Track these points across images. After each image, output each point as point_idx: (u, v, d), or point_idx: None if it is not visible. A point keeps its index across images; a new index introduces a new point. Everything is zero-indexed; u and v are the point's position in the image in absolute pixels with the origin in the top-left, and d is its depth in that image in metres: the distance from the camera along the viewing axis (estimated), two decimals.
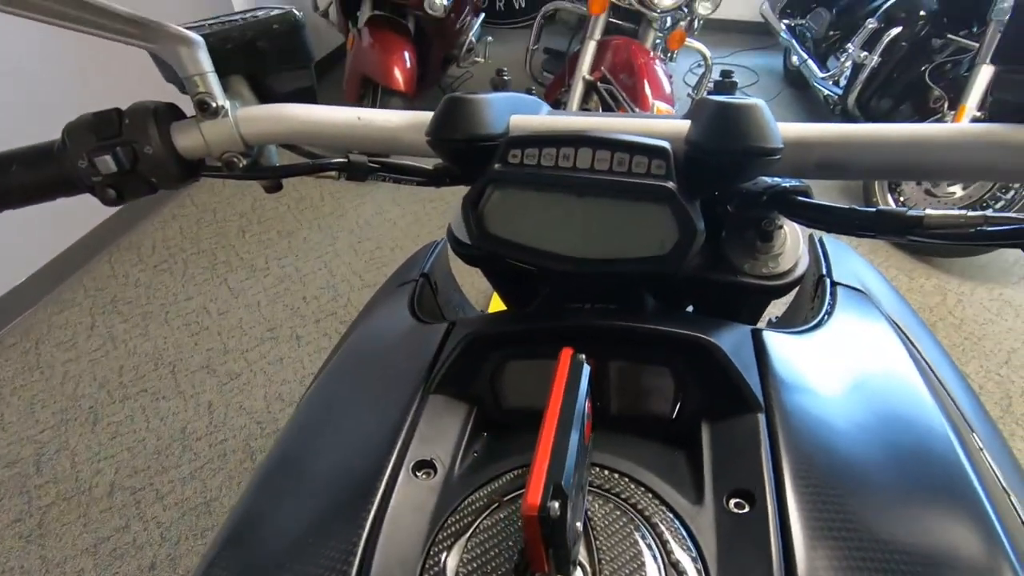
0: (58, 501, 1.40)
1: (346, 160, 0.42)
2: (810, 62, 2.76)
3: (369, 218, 2.34)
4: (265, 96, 0.41)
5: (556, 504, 0.19)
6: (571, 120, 0.36)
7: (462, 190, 0.38)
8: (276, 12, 0.39)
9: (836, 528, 0.24)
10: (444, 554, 0.26)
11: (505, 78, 0.48)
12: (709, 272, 0.42)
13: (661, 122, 0.34)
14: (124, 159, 0.36)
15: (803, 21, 3.00)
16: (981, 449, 0.34)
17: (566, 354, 0.25)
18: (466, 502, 0.28)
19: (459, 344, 0.35)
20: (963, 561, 0.23)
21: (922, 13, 2.17)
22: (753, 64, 3.71)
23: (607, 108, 2.06)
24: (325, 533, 0.28)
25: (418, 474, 0.30)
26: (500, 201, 0.34)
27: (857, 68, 2.35)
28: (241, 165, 0.40)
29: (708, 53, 2.26)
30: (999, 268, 2.13)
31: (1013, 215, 0.30)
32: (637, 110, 1.97)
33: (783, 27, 3.10)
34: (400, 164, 0.44)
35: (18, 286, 1.86)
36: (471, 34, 2.80)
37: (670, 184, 0.30)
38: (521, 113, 0.37)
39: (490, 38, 3.01)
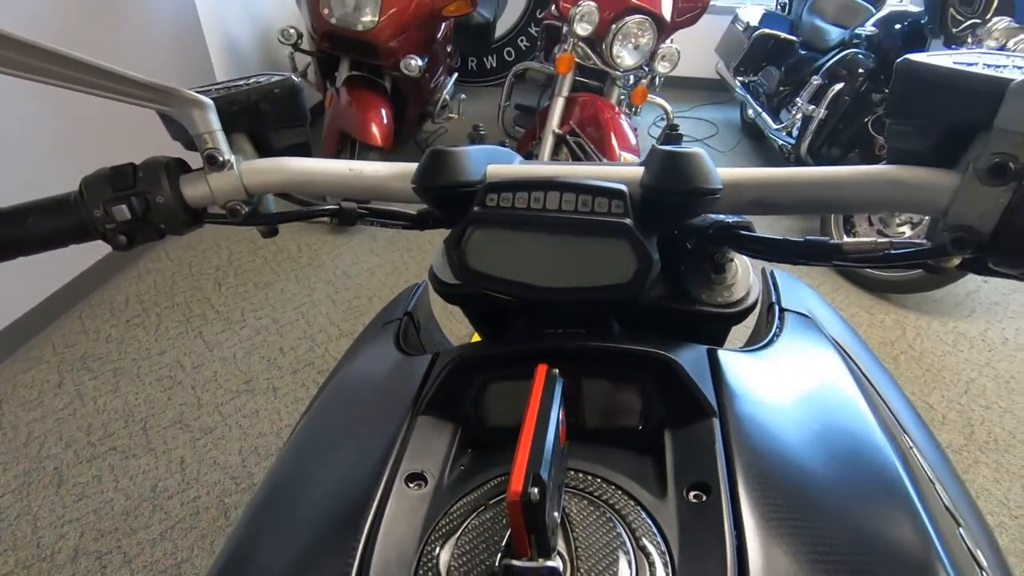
0: (17, 570, 1.33)
1: (338, 207, 0.46)
2: (764, 115, 2.95)
3: (347, 268, 2.36)
4: (265, 150, 0.45)
5: (536, 490, 0.22)
6: (541, 168, 0.41)
7: (438, 238, 0.42)
8: (277, 78, 0.44)
9: (781, 512, 0.27)
10: (437, 550, 0.28)
11: (482, 132, 0.53)
12: (671, 302, 0.47)
13: (619, 169, 0.38)
14: (137, 208, 0.40)
15: (755, 78, 3.22)
16: (912, 447, 0.38)
17: (541, 369, 0.28)
18: (455, 507, 0.30)
19: (444, 368, 0.38)
20: (892, 541, 0.26)
21: (861, 71, 2.37)
22: (712, 117, 3.93)
23: (576, 159, 2.17)
24: (326, 539, 0.30)
25: (410, 485, 0.32)
26: (480, 240, 0.38)
27: (807, 120, 2.53)
28: (243, 212, 0.43)
29: (669, 108, 2.41)
30: (952, 303, 2.25)
31: (914, 241, 0.35)
32: (605, 161, 2.08)
33: (738, 83, 3.32)
34: (387, 210, 0.48)
35: None
36: (445, 92, 2.92)
37: (627, 221, 0.34)
38: (497, 162, 0.41)
39: (463, 95, 3.14)
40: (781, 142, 2.75)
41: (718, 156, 3.45)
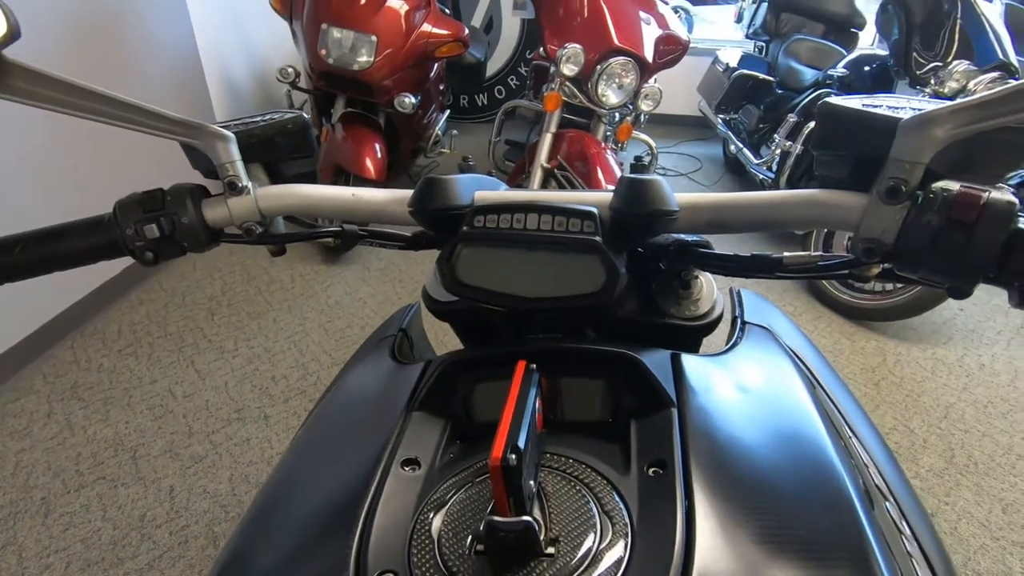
0: None
1: (340, 229, 0.51)
2: (745, 150, 3.06)
3: (339, 298, 2.39)
4: (277, 178, 0.50)
5: (513, 457, 0.26)
6: (522, 194, 0.46)
7: (428, 266, 0.46)
8: (289, 115, 0.49)
9: (726, 484, 0.31)
10: (430, 517, 0.32)
11: (471, 164, 0.58)
12: (644, 316, 0.51)
13: (591, 194, 0.43)
14: (165, 227, 0.44)
15: (736, 115, 3.36)
16: (851, 437, 0.42)
17: (521, 364, 0.33)
18: (444, 485, 0.34)
19: (436, 369, 0.42)
20: (821, 510, 0.30)
21: None
22: (696, 152, 4.07)
23: None
24: (332, 513, 0.33)
25: (405, 468, 0.35)
26: (468, 256, 0.42)
27: (784, 155, 2.64)
28: (257, 232, 0.48)
29: (653, 144, 2.51)
30: (930, 329, 2.31)
31: (840, 255, 0.41)
32: (586, 188, 2.16)
33: (719, 121, 3.46)
34: (384, 232, 0.52)
35: None
36: (437, 128, 3.02)
37: (597, 238, 0.39)
38: (483, 189, 0.46)
39: (455, 131, 3.24)
40: (761, 176, 2.85)
41: (703, 190, 3.56)
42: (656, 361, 0.40)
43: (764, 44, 3.55)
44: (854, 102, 0.37)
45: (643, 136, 2.50)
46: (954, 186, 0.32)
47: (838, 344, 2.22)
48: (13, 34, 0.34)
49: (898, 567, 0.30)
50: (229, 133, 0.44)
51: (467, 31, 2.62)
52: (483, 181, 0.48)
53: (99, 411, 1.82)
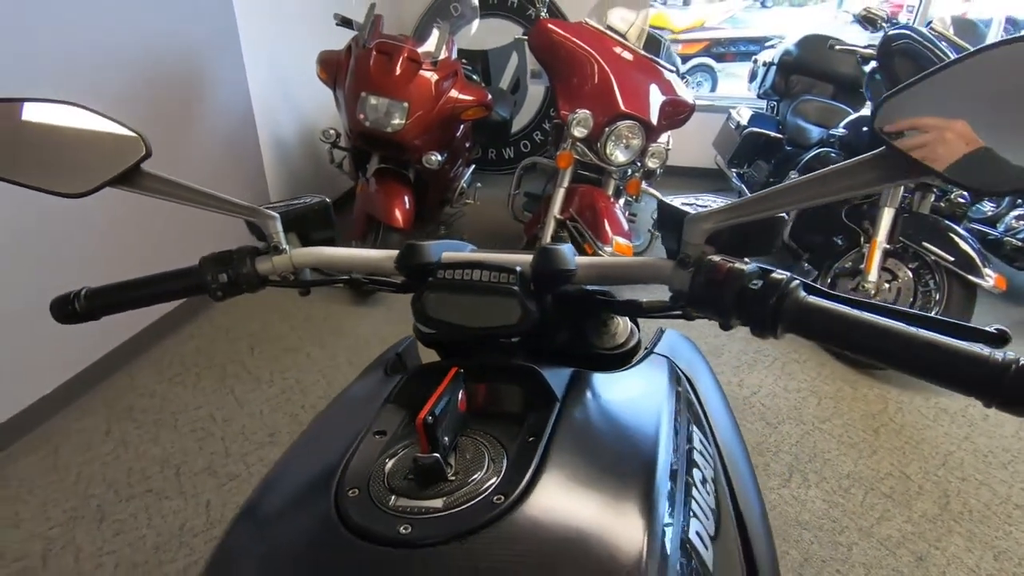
0: None
1: (349, 277, 0.70)
2: None
3: (367, 336, 2.60)
4: (306, 242, 0.70)
5: (431, 417, 0.43)
6: (472, 255, 0.64)
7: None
8: (316, 199, 0.70)
9: (571, 449, 0.46)
10: (386, 461, 0.48)
11: (442, 234, 0.78)
12: (576, 347, 0.68)
13: (517, 256, 0.61)
14: (231, 276, 0.65)
15: (748, 170, 3.52)
16: (700, 438, 0.56)
17: (453, 369, 0.50)
18: (399, 445, 0.50)
19: (404, 376, 0.59)
20: (631, 480, 0.44)
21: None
22: None
23: (575, 242, 2.44)
24: (325, 460, 0.49)
25: (376, 436, 0.52)
26: (433, 298, 0.60)
27: None
28: (291, 279, 0.68)
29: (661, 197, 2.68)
30: None
31: (665, 300, 0.57)
32: (600, 244, 2.34)
33: (733, 174, 3.62)
34: (381, 280, 0.71)
35: (45, 396, 2.07)
36: (463, 181, 3.28)
37: (516, 287, 0.56)
38: (450, 251, 0.65)
39: (479, 184, 3.50)
40: None
41: None
42: (556, 374, 0.56)
43: (775, 104, 3.73)
44: (677, 201, 0.55)
45: (651, 190, 2.68)
46: (716, 258, 0.49)
47: (840, 391, 2.28)
48: (149, 153, 0.54)
49: (676, 513, 0.44)
50: (275, 213, 0.65)
51: (490, 96, 2.89)
52: (452, 245, 0.66)
53: (150, 431, 2.04)
